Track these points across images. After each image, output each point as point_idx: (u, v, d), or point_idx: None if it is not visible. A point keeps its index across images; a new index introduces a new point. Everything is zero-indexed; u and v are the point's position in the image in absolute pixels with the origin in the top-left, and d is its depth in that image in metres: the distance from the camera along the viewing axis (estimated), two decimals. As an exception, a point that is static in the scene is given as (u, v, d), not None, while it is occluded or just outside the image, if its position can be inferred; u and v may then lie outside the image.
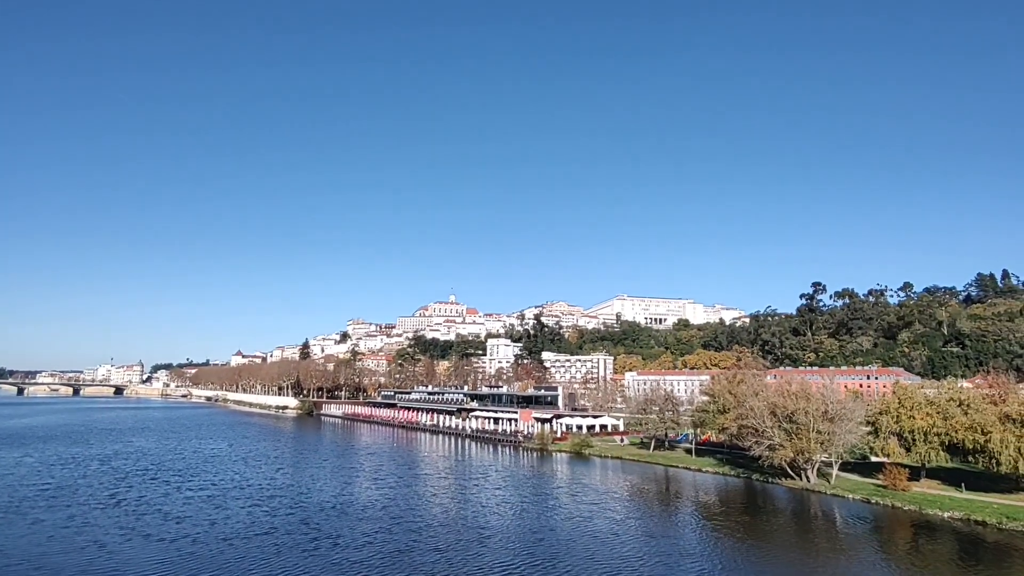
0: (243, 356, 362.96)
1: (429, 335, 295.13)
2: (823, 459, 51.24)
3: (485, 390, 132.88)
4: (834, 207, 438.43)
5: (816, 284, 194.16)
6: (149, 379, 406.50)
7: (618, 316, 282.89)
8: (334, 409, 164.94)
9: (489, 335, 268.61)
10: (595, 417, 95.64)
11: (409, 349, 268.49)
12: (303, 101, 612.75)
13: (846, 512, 42.47)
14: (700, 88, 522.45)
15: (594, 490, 51.47)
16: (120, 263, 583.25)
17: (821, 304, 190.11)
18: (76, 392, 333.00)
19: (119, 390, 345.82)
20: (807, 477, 51.13)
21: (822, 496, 47.60)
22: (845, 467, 54.77)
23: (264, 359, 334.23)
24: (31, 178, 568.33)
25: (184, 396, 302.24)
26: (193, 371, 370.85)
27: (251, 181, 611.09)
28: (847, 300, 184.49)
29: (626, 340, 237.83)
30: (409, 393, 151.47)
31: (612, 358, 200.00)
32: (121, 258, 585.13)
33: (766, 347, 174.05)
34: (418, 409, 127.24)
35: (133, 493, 46.09)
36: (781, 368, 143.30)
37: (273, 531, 35.09)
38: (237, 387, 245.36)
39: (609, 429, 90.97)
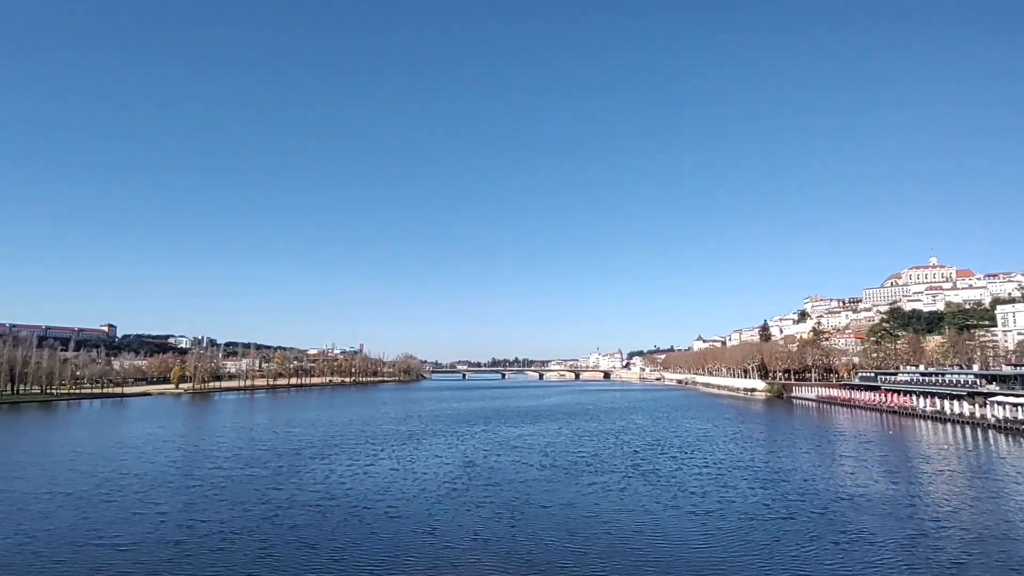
0: (703, 341, 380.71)
1: (907, 306, 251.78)
2: None
3: (1007, 369, 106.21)
4: None
5: None
6: (627, 364, 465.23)
7: None
8: (805, 392, 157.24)
9: (997, 300, 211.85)
10: None
11: (884, 324, 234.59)
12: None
13: None
14: None
15: None
16: (597, 260, 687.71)
17: None
18: (577, 377, 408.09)
19: (607, 374, 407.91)
20: None
21: None
22: None
23: (723, 343, 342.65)
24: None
25: (657, 379, 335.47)
26: (662, 356, 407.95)
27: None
28: None
29: None
30: (895, 374, 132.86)
31: None
32: (601, 256, 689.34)
33: None
34: (910, 392, 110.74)
35: (648, 466, 54.33)
36: None
37: (791, 517, 34.67)
38: (703, 370, 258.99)
39: None
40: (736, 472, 50.14)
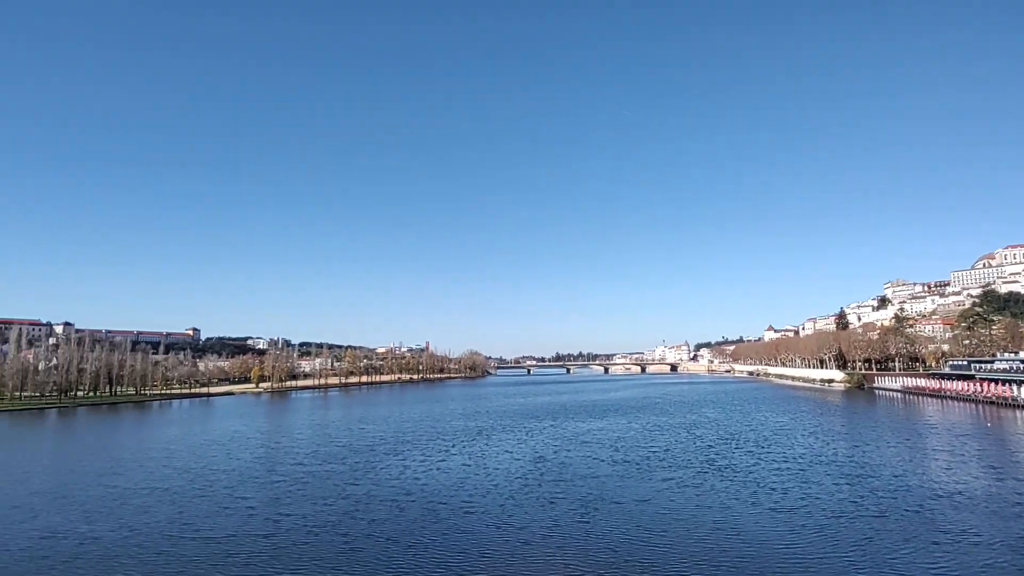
0: (774, 331, 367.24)
1: (1003, 289, 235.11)
2: None
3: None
4: None
5: None
6: (695, 357, 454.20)
7: None
8: (888, 382, 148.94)
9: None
10: None
11: (977, 309, 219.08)
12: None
13: None
14: None
15: None
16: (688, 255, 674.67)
17: None
18: (643, 370, 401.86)
19: (673, 367, 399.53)
20: None
21: None
22: None
23: (796, 332, 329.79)
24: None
25: (727, 371, 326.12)
26: (731, 347, 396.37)
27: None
28: None
29: None
30: (991, 362, 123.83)
31: None
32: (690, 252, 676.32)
33: None
34: (1009, 381, 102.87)
35: (723, 461, 52.72)
36: None
37: (883, 516, 32.84)
38: (775, 361, 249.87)
39: None
40: (818, 467, 47.98)
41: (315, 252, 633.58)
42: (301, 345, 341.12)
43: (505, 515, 34.91)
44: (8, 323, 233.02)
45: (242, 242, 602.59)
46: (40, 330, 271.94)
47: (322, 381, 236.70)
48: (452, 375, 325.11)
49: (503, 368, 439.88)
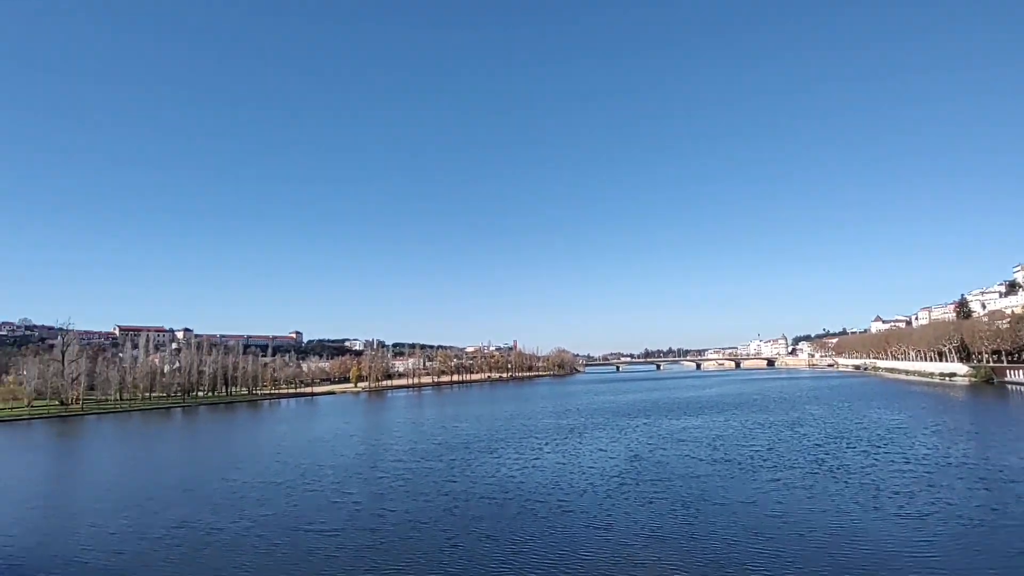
0: (882, 321, 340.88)
1: None
2: None
3: None
4: None
5: None
6: (793, 350, 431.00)
7: None
8: (1023, 376, 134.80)
9: None
10: None
11: None
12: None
13: None
14: None
15: None
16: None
17: None
18: (737, 365, 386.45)
19: (770, 362, 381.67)
20: None
21: None
22: None
23: (908, 322, 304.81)
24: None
25: (830, 365, 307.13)
26: (833, 340, 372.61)
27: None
28: None
29: None
30: None
31: None
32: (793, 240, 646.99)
33: None
34: None
35: (834, 461, 49.07)
36: None
37: None
38: (885, 354, 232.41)
39: None
40: (947, 470, 43.86)
41: (407, 257, 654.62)
42: (394, 346, 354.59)
43: (604, 515, 34.36)
44: (137, 330, 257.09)
45: (339, 250, 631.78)
46: (164, 336, 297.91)
47: (415, 380, 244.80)
48: (541, 373, 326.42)
49: (591, 365, 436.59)
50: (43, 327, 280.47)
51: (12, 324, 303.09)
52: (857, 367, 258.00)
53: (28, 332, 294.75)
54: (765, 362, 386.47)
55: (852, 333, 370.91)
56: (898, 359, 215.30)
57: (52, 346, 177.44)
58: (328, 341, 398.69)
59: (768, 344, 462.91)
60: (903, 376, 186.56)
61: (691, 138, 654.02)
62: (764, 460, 50.49)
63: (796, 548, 27.44)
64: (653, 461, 52.08)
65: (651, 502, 37.01)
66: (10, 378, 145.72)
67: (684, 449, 58.37)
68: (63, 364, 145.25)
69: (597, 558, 27.04)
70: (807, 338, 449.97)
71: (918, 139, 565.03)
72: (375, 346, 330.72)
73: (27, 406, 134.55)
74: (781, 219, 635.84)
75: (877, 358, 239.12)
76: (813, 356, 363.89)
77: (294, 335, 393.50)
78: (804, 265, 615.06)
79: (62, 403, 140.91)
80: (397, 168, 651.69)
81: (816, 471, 44.93)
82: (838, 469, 45.45)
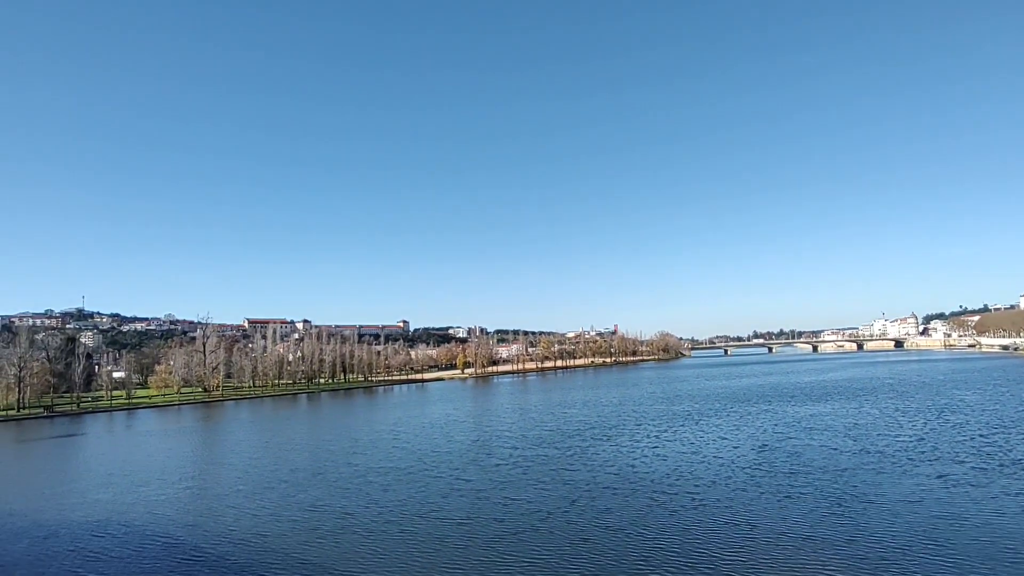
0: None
1: None
2: None
3: None
4: None
5: None
6: (925, 330, 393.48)
7: None
8: None
9: None
10: None
11: None
12: None
13: None
14: None
15: None
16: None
17: None
18: (859, 347, 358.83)
19: (898, 343, 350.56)
20: None
21: None
22: None
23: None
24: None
25: (971, 346, 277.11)
26: (974, 318, 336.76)
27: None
28: None
29: None
30: None
31: None
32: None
33: None
34: None
35: (1005, 455, 42.43)
36: None
37: None
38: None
39: None
40: None
41: (506, 246, 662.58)
42: (496, 332, 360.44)
43: (740, 510, 32.02)
44: (264, 323, 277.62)
45: (440, 242, 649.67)
46: (287, 327, 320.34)
47: (520, 366, 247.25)
48: (644, 357, 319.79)
49: (697, 349, 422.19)
50: (185, 321, 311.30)
51: (159, 319, 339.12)
52: (1005, 347, 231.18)
53: (172, 326, 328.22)
54: (892, 343, 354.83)
55: (996, 310, 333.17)
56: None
57: (193, 339, 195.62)
58: (433, 329, 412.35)
59: (895, 324, 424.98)
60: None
61: (801, 112, 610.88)
62: (918, 452, 45.41)
63: (982, 556, 23.94)
64: (784, 451, 48.49)
65: (790, 497, 34.12)
66: (161, 367, 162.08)
67: (817, 438, 54.05)
68: (204, 355, 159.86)
69: (746, 561, 24.90)
70: (940, 316, 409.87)
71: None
72: (478, 333, 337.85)
73: (176, 392, 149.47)
74: (906, 187, 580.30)
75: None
76: (950, 336, 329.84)
77: (402, 324, 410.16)
78: (935, 236, 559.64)
79: (205, 390, 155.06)
80: (491, 160, 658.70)
81: (986, 466, 39.69)
82: (1012, 464, 39.95)
